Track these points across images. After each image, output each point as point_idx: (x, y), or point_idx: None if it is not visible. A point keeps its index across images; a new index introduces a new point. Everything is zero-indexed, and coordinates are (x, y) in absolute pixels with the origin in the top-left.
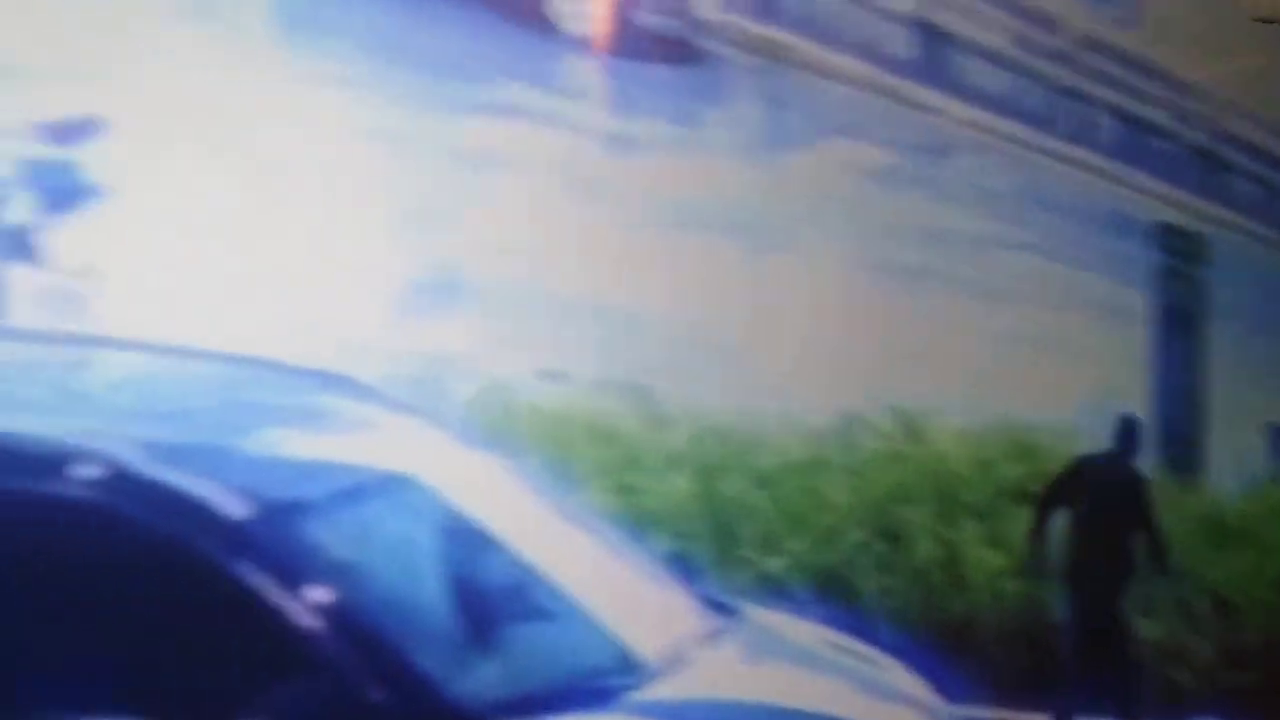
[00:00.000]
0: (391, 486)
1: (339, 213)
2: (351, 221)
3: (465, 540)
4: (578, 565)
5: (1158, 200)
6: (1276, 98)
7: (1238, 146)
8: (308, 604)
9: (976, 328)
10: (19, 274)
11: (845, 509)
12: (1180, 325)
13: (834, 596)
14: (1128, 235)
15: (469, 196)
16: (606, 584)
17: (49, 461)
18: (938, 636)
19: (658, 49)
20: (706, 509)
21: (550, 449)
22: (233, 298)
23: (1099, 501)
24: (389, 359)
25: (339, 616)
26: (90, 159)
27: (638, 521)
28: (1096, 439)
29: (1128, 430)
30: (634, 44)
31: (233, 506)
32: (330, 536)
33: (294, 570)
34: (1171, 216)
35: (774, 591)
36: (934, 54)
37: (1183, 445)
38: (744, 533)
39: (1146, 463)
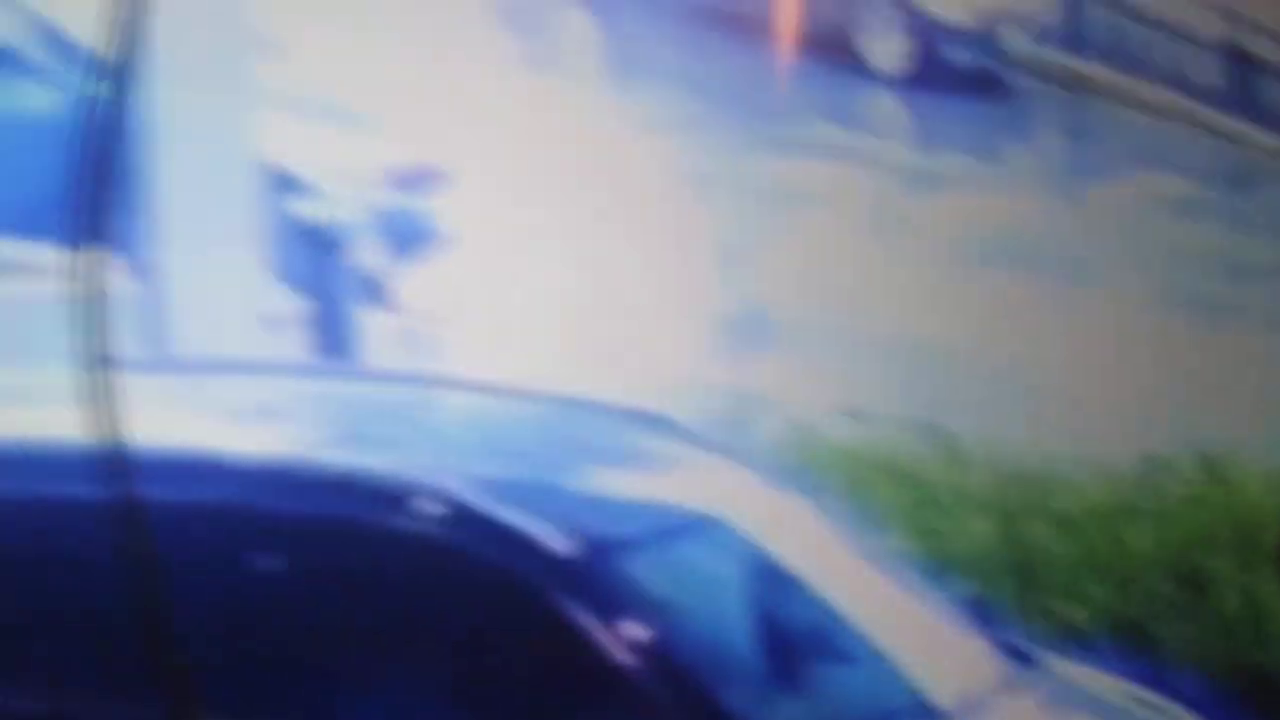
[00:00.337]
0: (703, 526)
1: (660, 254)
2: (671, 262)
3: (771, 581)
4: (877, 608)
5: None
6: None
7: None
8: (625, 640)
9: None
10: (374, 317)
11: (1148, 555)
12: None
13: (1133, 645)
14: None
15: (775, 234)
16: (905, 628)
17: (394, 496)
18: (1242, 690)
19: (963, 83)
20: (1007, 553)
21: (851, 489)
22: (561, 338)
23: None
24: (699, 397)
25: (655, 653)
26: (435, 206)
27: (938, 565)
28: None
29: None
30: (941, 79)
31: (560, 543)
32: (648, 575)
33: (614, 606)
34: None
35: (1074, 640)
36: (1242, 82)
37: None
38: (1045, 579)
39: None
